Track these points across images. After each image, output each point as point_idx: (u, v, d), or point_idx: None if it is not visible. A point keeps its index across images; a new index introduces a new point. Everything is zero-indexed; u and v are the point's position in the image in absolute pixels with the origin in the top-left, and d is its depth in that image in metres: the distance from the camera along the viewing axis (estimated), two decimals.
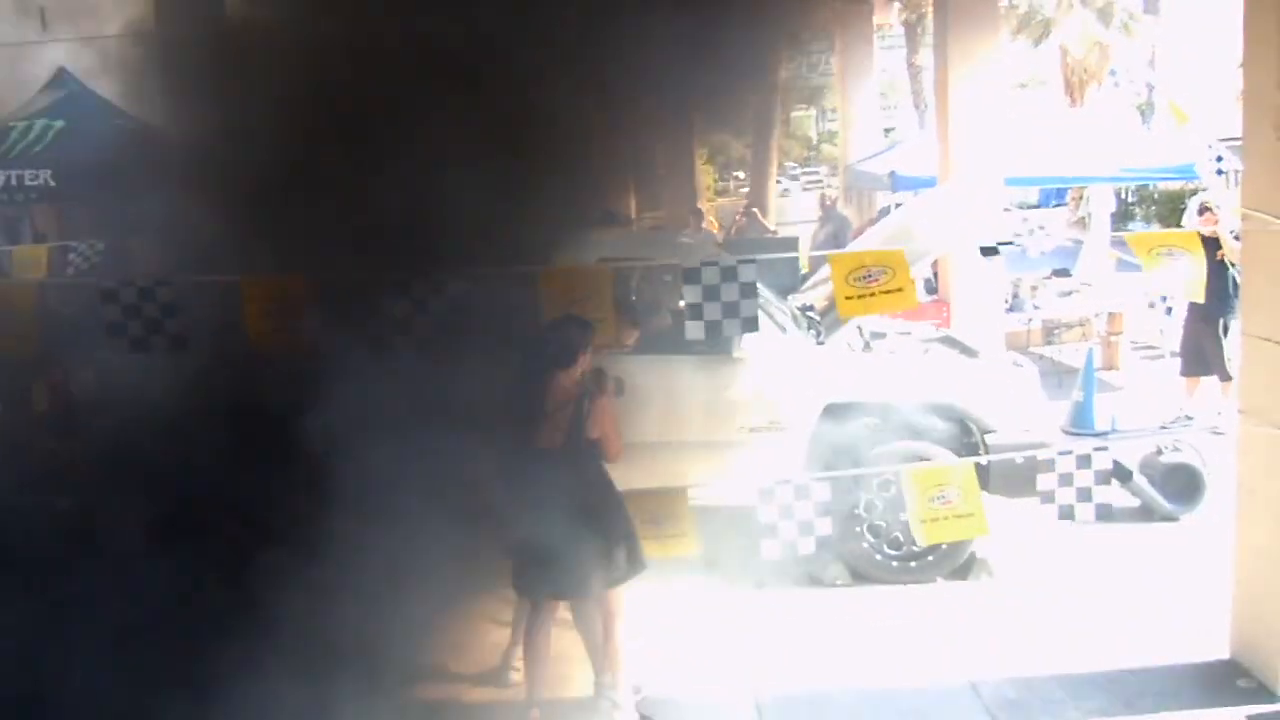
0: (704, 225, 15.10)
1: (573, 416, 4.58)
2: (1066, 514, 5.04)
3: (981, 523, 5.08)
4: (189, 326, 4.70)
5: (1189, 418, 9.21)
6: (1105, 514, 5.07)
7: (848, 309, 5.01)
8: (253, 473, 4.80)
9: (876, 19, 19.39)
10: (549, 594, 4.80)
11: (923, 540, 5.16)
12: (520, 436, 4.67)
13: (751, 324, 4.96)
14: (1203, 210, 8.99)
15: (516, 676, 5.29)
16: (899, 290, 4.86)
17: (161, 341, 4.66)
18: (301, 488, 4.91)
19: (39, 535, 4.85)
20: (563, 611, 5.01)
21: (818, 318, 7.05)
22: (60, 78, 11.24)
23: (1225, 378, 8.91)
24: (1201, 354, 9.14)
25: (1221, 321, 8.81)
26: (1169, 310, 11.57)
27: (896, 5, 21.14)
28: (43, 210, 11.37)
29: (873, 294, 4.86)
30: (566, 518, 4.59)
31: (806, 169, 47.10)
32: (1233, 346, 8.54)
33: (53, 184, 10.16)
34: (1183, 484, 7.30)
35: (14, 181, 10.22)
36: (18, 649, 4.52)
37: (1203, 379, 9.24)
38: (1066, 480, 5.01)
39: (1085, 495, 5.02)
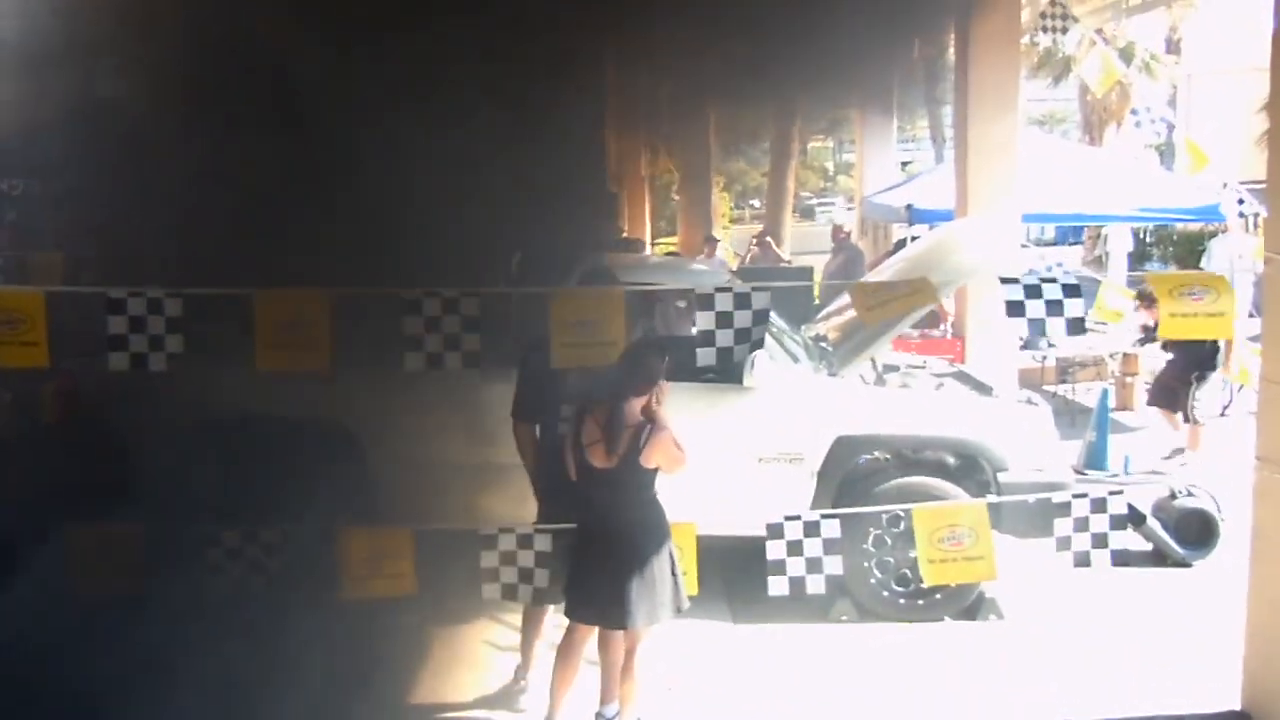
0: (718, 253, 15.08)
1: (632, 441, 4.54)
2: (1083, 561, 4.94)
3: (991, 567, 4.99)
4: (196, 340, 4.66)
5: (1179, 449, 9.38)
6: (1121, 560, 4.99)
7: (869, 316, 4.95)
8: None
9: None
10: (592, 620, 4.75)
11: (927, 581, 5.08)
12: (580, 455, 4.63)
13: (759, 343, 4.90)
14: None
15: (526, 699, 5.25)
16: (918, 292, 4.83)
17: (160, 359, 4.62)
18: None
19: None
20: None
21: (830, 349, 7.00)
22: None
23: (1189, 420, 9.24)
24: (1172, 394, 9.39)
25: (1196, 373, 9.13)
26: None
27: (918, 39, 21.19)
28: None
29: (894, 298, 4.84)
30: (616, 542, 4.58)
31: (822, 200, 47.21)
32: (1206, 393, 9.10)
33: None
34: (1196, 529, 7.23)
35: None
36: None
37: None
38: (1082, 525, 4.92)
39: (1101, 541, 4.93)
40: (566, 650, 4.87)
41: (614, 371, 4.67)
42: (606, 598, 4.58)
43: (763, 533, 4.92)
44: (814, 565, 4.89)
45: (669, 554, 4.65)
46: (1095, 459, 9.25)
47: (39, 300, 4.52)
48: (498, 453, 5.75)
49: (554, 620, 5.39)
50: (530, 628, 5.35)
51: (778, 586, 4.91)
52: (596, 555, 4.62)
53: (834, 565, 4.94)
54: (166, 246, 5.38)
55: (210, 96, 6.20)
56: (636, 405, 4.59)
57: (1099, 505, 4.93)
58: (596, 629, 4.80)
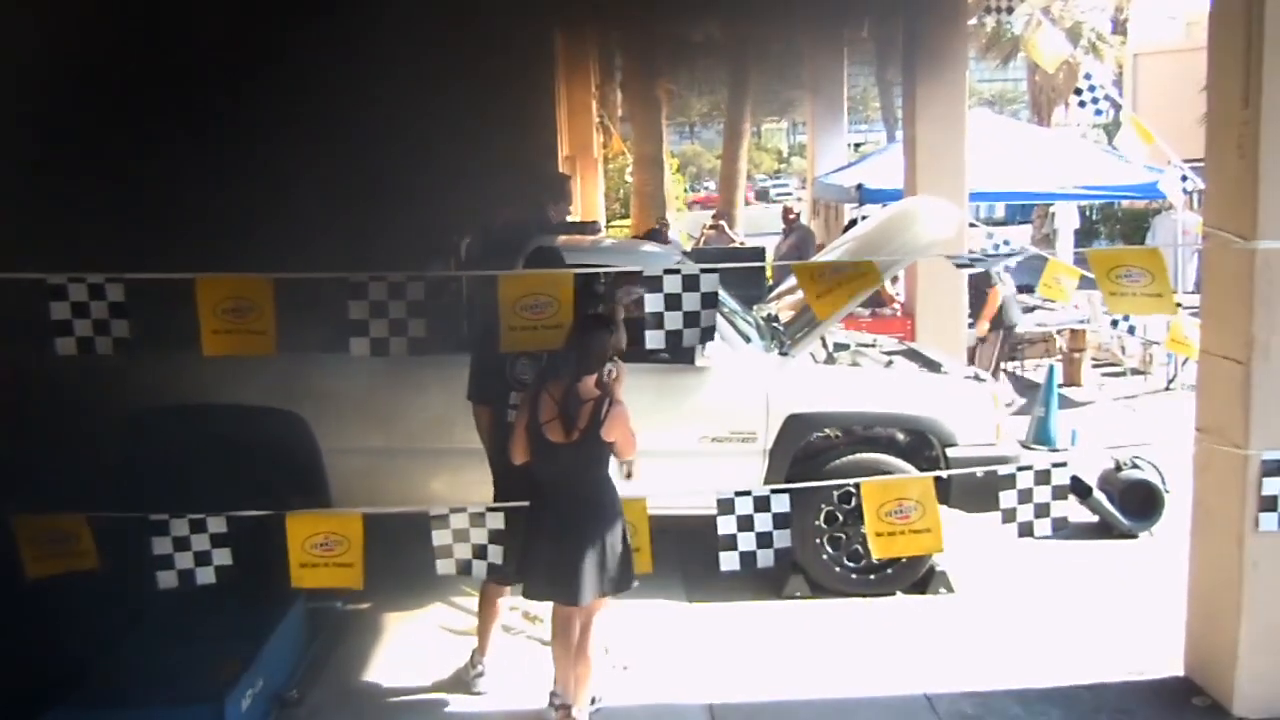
0: (670, 235, 15.10)
1: (590, 417, 4.53)
2: (1025, 530, 5.03)
3: (937, 539, 5.05)
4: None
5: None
6: (1061, 526, 5.08)
7: (820, 306, 5.00)
8: None
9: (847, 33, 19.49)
10: (544, 596, 4.76)
11: (876, 554, 5.13)
12: (537, 433, 4.61)
13: (710, 334, 4.91)
14: None
15: (483, 683, 5.25)
16: (864, 276, 4.89)
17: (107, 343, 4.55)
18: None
19: None
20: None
21: (782, 328, 7.03)
22: None
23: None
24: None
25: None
26: (1131, 329, 11.67)
27: (867, 19, 21.30)
28: None
29: (841, 283, 4.89)
30: (570, 519, 4.59)
31: (776, 181, 47.35)
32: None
33: None
34: (1141, 501, 7.36)
35: None
36: None
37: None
38: (1026, 497, 5.00)
39: (1044, 511, 5.01)
40: (559, 631, 4.85)
41: (567, 349, 4.67)
42: (557, 573, 4.60)
43: (715, 512, 4.95)
44: (764, 540, 4.91)
45: (621, 531, 4.67)
46: (1043, 434, 9.40)
47: None
48: (451, 438, 5.76)
49: (509, 603, 5.40)
50: (486, 612, 5.34)
51: (729, 562, 4.94)
52: (550, 532, 4.62)
53: (784, 540, 4.97)
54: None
55: (145, 73, 6.10)
56: (590, 382, 4.60)
57: (1043, 477, 5.01)
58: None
